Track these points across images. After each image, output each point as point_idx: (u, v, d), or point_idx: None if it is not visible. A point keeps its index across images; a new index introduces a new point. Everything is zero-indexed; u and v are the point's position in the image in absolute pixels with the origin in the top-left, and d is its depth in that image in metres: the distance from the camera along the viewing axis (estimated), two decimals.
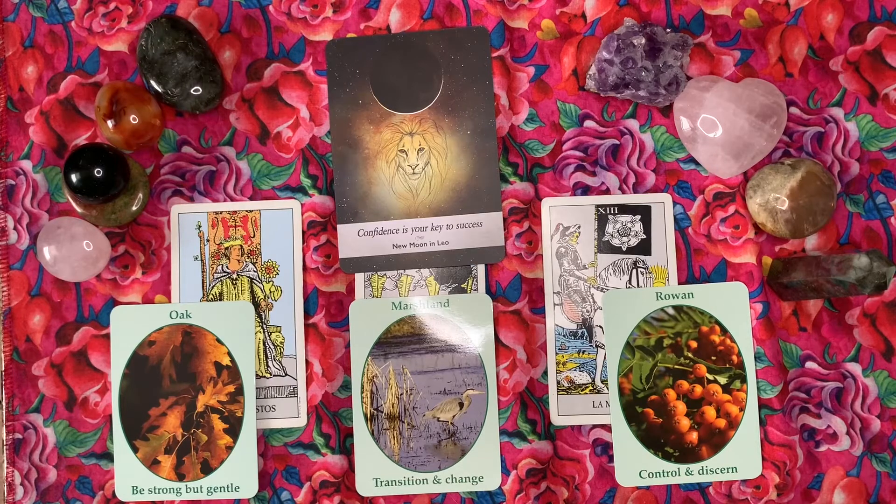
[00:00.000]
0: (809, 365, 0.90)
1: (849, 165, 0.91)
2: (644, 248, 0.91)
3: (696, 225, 0.91)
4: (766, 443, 0.89)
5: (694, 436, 0.89)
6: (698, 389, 0.90)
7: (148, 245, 0.91)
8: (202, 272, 0.91)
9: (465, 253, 0.91)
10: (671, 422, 0.89)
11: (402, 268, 0.91)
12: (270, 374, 0.90)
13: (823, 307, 0.91)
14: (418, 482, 0.89)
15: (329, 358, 0.90)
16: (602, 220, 0.91)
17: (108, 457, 0.90)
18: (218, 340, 0.90)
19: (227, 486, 0.89)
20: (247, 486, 0.89)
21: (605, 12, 0.92)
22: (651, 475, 0.89)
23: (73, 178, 0.84)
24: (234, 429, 0.89)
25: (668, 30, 0.91)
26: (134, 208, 0.90)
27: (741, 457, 0.89)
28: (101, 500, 0.90)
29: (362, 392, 0.90)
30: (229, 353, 0.90)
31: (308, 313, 0.91)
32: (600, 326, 0.91)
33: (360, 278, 0.91)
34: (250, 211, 0.91)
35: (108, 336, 0.91)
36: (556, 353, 0.90)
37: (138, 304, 0.91)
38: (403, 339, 0.90)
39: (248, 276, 0.91)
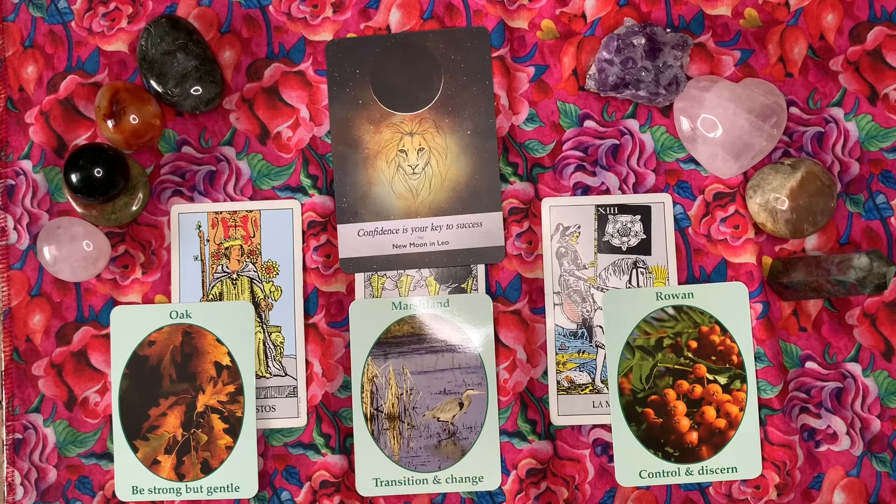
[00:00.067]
0: (809, 365, 0.90)
1: (849, 165, 0.91)
2: (644, 248, 0.91)
3: (696, 225, 0.91)
4: (766, 443, 0.89)
5: (694, 436, 0.89)
6: (698, 389, 0.90)
7: (148, 245, 0.91)
8: (202, 272, 0.91)
9: (465, 253, 0.91)
10: (671, 422, 0.89)
11: (402, 268, 0.91)
12: (270, 374, 0.90)
13: (823, 307, 0.91)
14: (418, 482, 0.89)
15: (329, 358, 0.90)
16: (602, 220, 0.91)
17: (108, 457, 0.90)
18: (218, 340, 0.90)
19: (227, 486, 0.89)
20: (247, 486, 0.89)
21: (605, 12, 0.92)
22: (651, 475, 0.89)
23: (73, 178, 0.84)
24: (234, 429, 0.89)
25: (668, 30, 0.91)
26: (134, 208, 0.90)
27: (741, 457, 0.89)
28: (101, 500, 0.90)
29: (362, 392, 0.90)
30: (229, 353, 0.90)
31: (308, 313, 0.91)
32: (600, 326, 0.91)
33: (360, 278, 0.91)
34: (250, 211, 0.91)
35: (108, 336, 0.91)
36: (556, 353, 0.90)
37: (138, 304, 0.91)
38: (403, 339, 0.90)
39: (248, 276, 0.91)
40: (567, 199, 0.91)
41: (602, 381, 0.90)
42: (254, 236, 0.91)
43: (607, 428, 0.90)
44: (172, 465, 0.89)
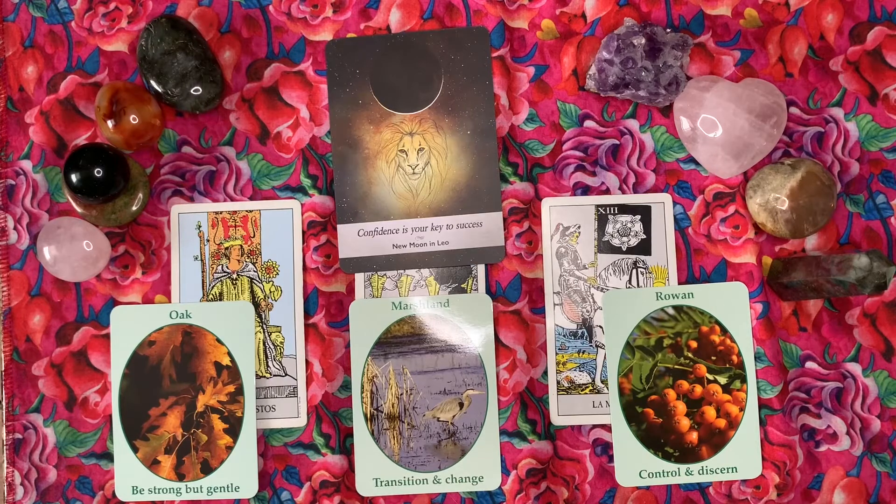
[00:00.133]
0: (809, 365, 0.90)
1: (849, 165, 0.91)
2: (644, 248, 0.91)
3: (696, 225, 0.91)
4: (766, 443, 0.89)
5: (694, 436, 0.89)
6: (698, 389, 0.90)
7: (148, 245, 0.91)
8: (202, 272, 0.91)
9: (465, 253, 0.91)
10: (671, 422, 0.89)
11: (402, 268, 0.91)
12: (270, 374, 0.90)
13: (823, 307, 0.91)
14: (418, 482, 0.89)
15: (329, 358, 0.90)
16: (602, 220, 0.91)
17: (108, 457, 0.90)
18: (218, 340, 0.90)
19: (227, 486, 0.89)
20: (247, 486, 0.89)
21: (605, 12, 0.92)
22: (651, 475, 0.89)
23: (73, 178, 0.84)
24: (234, 429, 0.89)
25: (668, 30, 0.91)
26: (134, 208, 0.90)
27: (741, 457, 0.89)
28: (101, 500, 0.90)
29: (362, 392, 0.90)
30: (229, 353, 0.90)
31: (308, 313, 0.91)
32: (600, 326, 0.91)
33: (360, 278, 0.91)
34: (250, 211, 0.91)
35: (108, 336, 0.91)
36: (556, 353, 0.90)
37: (138, 304, 0.91)
38: (403, 339, 0.90)
39: (248, 276, 0.91)
40: (567, 199, 0.91)
41: (602, 381, 0.90)
42: (254, 236, 0.91)
43: (607, 428, 0.90)
44: (172, 465, 0.89)
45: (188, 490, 0.89)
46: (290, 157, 0.92)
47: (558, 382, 0.90)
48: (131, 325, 0.90)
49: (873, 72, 0.92)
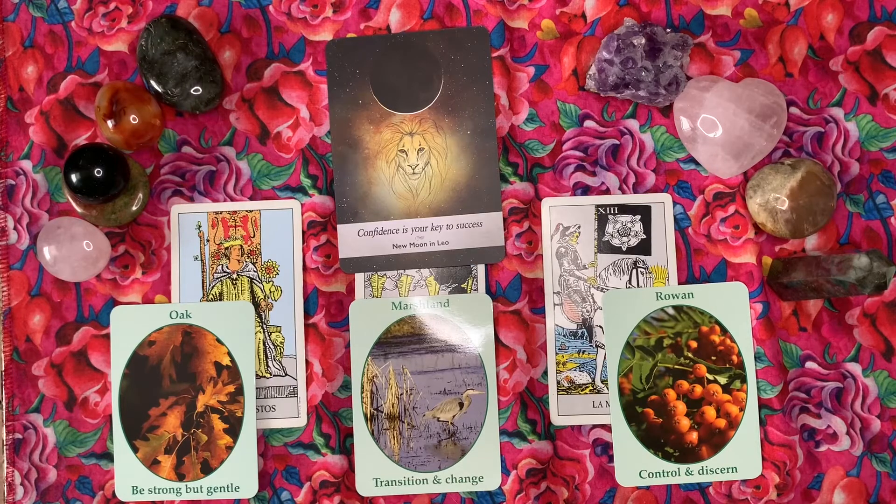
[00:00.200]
0: (809, 365, 0.90)
1: (849, 165, 0.91)
2: (644, 248, 0.91)
3: (696, 225, 0.91)
4: (766, 443, 0.89)
5: (694, 436, 0.89)
6: (698, 389, 0.90)
7: (148, 245, 0.91)
8: (202, 272, 0.91)
9: (465, 253, 0.91)
10: (671, 422, 0.89)
11: (402, 268, 0.91)
12: (270, 374, 0.90)
13: (823, 307, 0.91)
14: (418, 482, 0.89)
15: (329, 358, 0.90)
16: (602, 220, 0.91)
17: (108, 457, 0.90)
18: (218, 340, 0.90)
19: (227, 486, 0.89)
20: (247, 486, 0.89)
21: (605, 12, 0.92)
22: (651, 475, 0.89)
23: (73, 178, 0.84)
24: (234, 429, 0.89)
25: (668, 30, 0.91)
26: (134, 208, 0.90)
27: (741, 457, 0.89)
28: (101, 500, 0.90)
29: (362, 392, 0.90)
30: (229, 353, 0.90)
31: (308, 313, 0.91)
32: (600, 326, 0.91)
33: (360, 278, 0.91)
34: (250, 211, 0.91)
35: (108, 336, 0.91)
36: (556, 353, 0.90)
37: (138, 304, 0.91)
38: (403, 339, 0.90)
39: (248, 276, 0.91)
40: (567, 199, 0.91)
41: (602, 381, 0.90)
42: (254, 236, 0.91)
43: (607, 428, 0.90)
44: (172, 465, 0.89)
45: (188, 490, 0.89)
46: (290, 157, 0.92)
47: (558, 382, 0.90)
48: (131, 325, 0.90)
49: (873, 72, 0.92)
